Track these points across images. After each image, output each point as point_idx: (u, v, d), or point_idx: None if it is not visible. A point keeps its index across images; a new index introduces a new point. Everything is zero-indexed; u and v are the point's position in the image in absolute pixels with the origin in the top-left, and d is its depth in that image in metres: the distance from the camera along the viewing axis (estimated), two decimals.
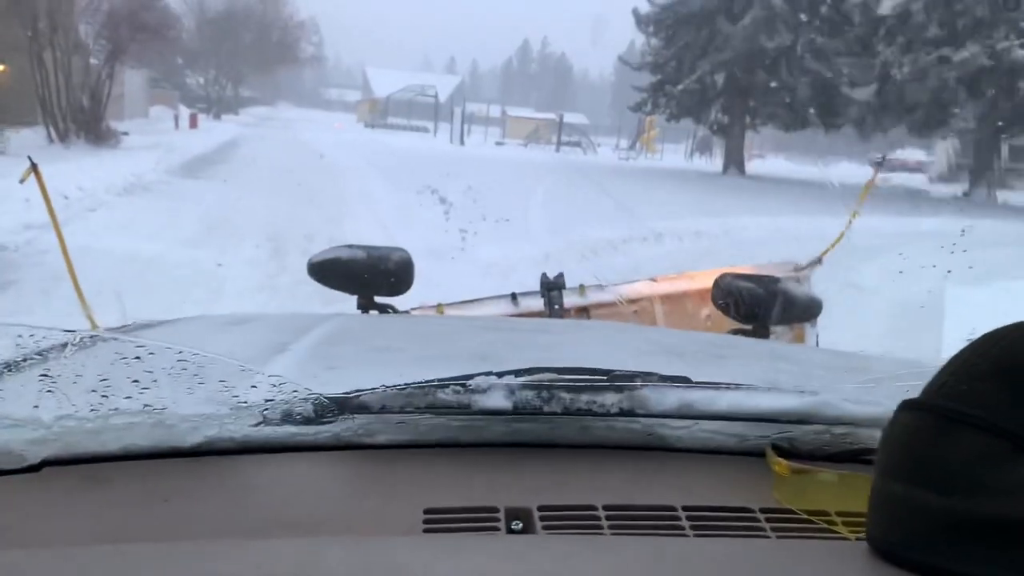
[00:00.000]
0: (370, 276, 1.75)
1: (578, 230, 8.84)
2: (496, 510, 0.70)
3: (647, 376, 0.85)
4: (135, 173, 12.04)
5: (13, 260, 5.88)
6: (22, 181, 4.91)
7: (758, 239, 10.25)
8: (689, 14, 25.35)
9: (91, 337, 0.95)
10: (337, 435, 0.80)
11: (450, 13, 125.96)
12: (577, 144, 42.95)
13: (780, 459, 0.77)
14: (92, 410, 0.77)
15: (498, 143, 42.20)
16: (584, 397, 0.81)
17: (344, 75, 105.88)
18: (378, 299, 1.85)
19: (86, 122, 16.66)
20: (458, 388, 0.80)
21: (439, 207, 10.10)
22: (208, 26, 45.84)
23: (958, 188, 24.50)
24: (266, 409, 0.80)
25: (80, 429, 0.75)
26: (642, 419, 0.83)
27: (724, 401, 0.82)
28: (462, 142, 37.53)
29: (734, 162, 27.29)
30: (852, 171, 36.15)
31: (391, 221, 9.34)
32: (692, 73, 25.29)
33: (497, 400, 0.80)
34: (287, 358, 1.07)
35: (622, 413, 0.82)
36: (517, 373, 0.82)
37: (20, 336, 0.88)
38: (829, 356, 1.36)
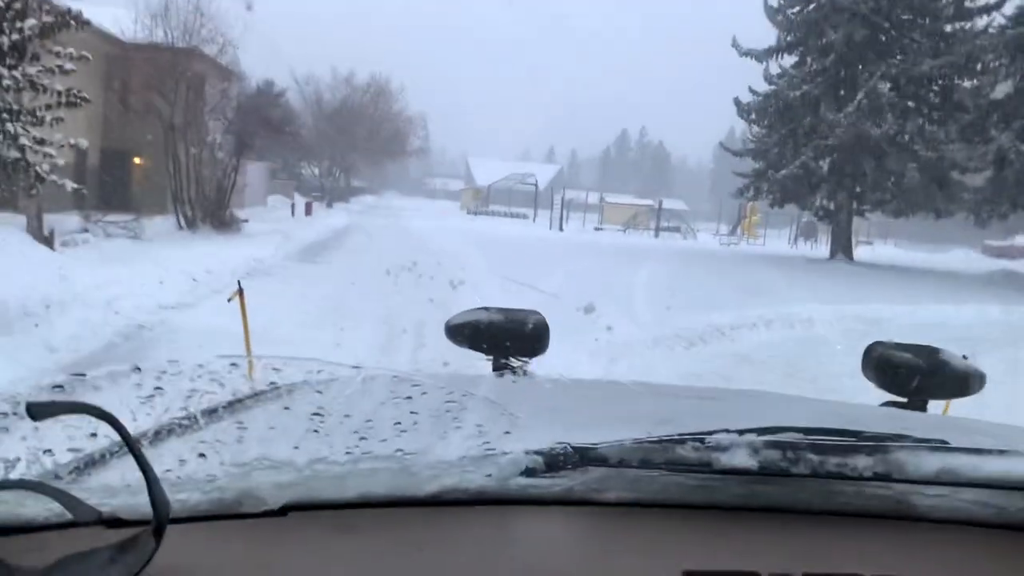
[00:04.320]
0: (507, 338, 1.77)
1: (684, 316, 8.76)
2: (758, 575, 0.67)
3: (900, 438, 0.80)
4: (256, 258, 12.73)
5: (151, 339, 6.28)
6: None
7: (872, 328, 9.92)
8: (792, 102, 25.29)
9: (372, 378, 0.95)
10: (571, 489, 0.78)
11: (550, 105, 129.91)
12: (676, 229, 42.77)
13: None
14: (347, 453, 0.78)
15: (597, 228, 42.53)
16: (833, 459, 0.75)
17: (448, 165, 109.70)
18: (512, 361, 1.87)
19: (212, 210, 17.86)
20: (697, 444, 0.76)
21: (541, 292, 10.20)
22: (324, 121, 48.57)
23: None
24: (512, 458, 0.79)
25: (327, 474, 0.76)
26: (895, 485, 0.78)
27: (989, 467, 0.75)
28: (561, 228, 38.03)
29: (841, 248, 26.59)
30: (966, 258, 34.67)
31: (494, 304, 9.49)
32: (796, 159, 25.04)
33: (740, 459, 0.75)
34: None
35: (876, 477, 0.76)
36: (759, 432, 0.77)
37: (309, 371, 0.90)
38: (1012, 430, 1.30)
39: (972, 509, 0.79)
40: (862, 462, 0.76)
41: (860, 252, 27.73)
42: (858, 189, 25.69)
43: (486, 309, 1.85)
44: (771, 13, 26.39)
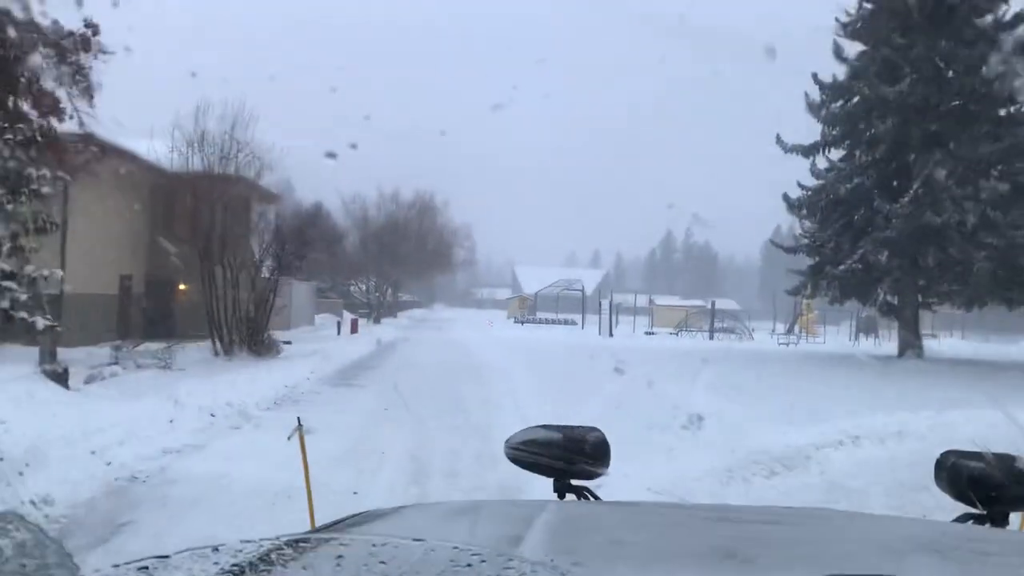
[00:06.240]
0: (566, 457, 1.71)
1: (758, 435, 7.67)
2: None
3: None
4: (288, 384, 12.00)
5: (138, 495, 5.42)
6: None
7: (972, 437, 8.62)
8: (843, 195, 24.45)
9: (432, 548, 0.95)
10: None
11: (594, 211, 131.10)
12: (731, 330, 41.49)
13: None
14: None
15: (648, 333, 41.46)
16: None
17: (495, 274, 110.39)
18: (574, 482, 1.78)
19: (249, 335, 17.36)
20: None
21: (596, 411, 9.22)
22: (371, 239, 49.19)
23: None
24: None
25: None
26: None
27: None
28: (611, 334, 37.06)
29: (910, 344, 25.03)
30: None
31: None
32: (853, 253, 23.95)
33: None
34: (530, 552, 1.01)
35: None
36: None
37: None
38: None
39: None
40: None
41: (929, 347, 26.12)
42: (922, 282, 24.38)
43: (544, 427, 1.80)
44: (814, 109, 25.92)
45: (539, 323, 49.30)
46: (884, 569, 0.85)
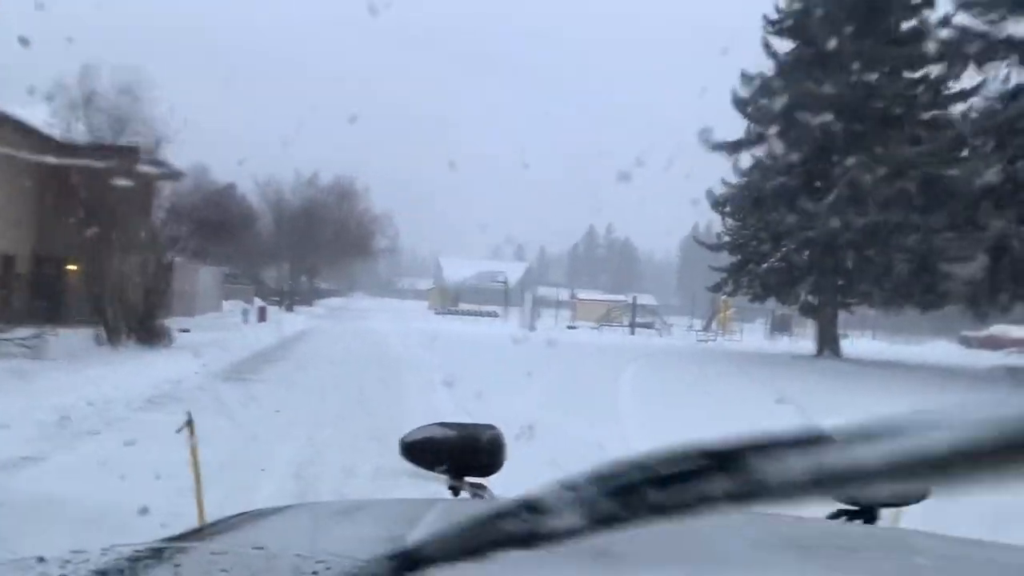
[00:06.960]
0: (462, 455, 1.64)
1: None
2: None
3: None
4: (173, 379, 10.73)
5: None
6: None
7: None
8: (768, 194, 24.31)
9: (274, 555, 0.95)
10: None
11: (518, 205, 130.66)
12: (650, 325, 41.53)
13: None
14: None
15: (570, 327, 41.06)
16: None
17: (419, 264, 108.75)
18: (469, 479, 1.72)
19: (139, 321, 15.85)
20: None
21: (515, 419, 8.33)
22: (286, 223, 47.25)
23: None
24: None
25: None
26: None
27: None
28: (533, 327, 36.44)
29: (828, 344, 25.17)
30: (956, 352, 33.44)
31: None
32: (775, 252, 23.86)
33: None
34: None
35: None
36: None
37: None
38: (954, 544, 1.20)
39: None
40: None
41: (843, 346, 26.32)
42: (842, 282, 24.48)
43: (441, 425, 1.73)
44: (740, 105, 25.73)
45: (461, 315, 48.34)
46: (738, 562, 0.88)
